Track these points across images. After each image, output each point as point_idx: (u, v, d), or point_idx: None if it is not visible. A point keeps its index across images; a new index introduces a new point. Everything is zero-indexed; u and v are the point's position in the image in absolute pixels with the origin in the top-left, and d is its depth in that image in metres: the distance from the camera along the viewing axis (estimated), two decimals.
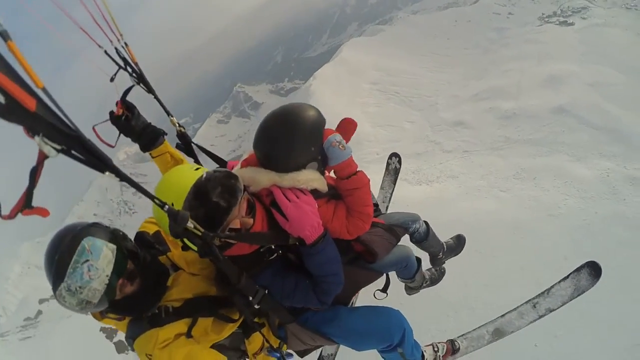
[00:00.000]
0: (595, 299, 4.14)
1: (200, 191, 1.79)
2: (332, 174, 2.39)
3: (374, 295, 3.00)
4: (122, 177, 1.10)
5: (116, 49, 2.55)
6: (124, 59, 2.62)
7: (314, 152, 2.16)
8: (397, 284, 3.30)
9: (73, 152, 0.91)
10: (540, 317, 3.21)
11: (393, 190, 4.89)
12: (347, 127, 2.46)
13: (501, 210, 6.95)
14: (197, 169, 1.89)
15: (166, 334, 1.92)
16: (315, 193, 2.23)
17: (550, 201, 6.82)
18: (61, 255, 1.74)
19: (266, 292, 2.14)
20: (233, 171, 2.09)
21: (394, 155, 4.92)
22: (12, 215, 0.90)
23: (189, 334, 1.97)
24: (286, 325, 2.50)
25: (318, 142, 2.16)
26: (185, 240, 1.67)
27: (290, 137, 2.11)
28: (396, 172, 4.91)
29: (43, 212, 0.95)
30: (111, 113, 2.56)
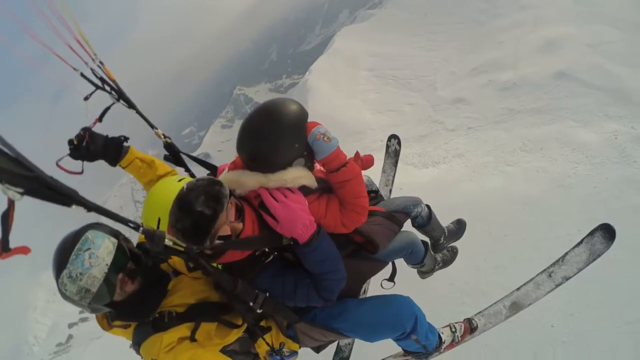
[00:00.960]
0: (610, 271, 4.14)
1: (183, 202, 1.81)
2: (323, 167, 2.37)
3: (381, 285, 2.99)
4: (90, 207, 1.12)
5: (92, 69, 2.61)
6: (101, 79, 2.68)
7: (298, 148, 2.15)
8: (404, 271, 3.27)
9: (37, 191, 0.94)
10: (557, 285, 3.23)
11: (395, 173, 4.90)
12: (366, 164, 2.52)
13: (509, 186, 6.87)
14: (181, 180, 1.96)
15: (170, 337, 1.96)
16: (304, 190, 2.22)
17: (559, 171, 6.70)
18: (65, 245, 1.85)
19: (267, 295, 2.14)
20: (220, 177, 2.16)
21: (393, 137, 4.96)
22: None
23: (192, 338, 2.01)
24: (294, 324, 2.49)
25: (302, 137, 2.15)
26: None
27: (273, 136, 2.08)
28: (396, 154, 4.96)
29: (24, 251, 0.98)
30: (70, 142, 2.53)
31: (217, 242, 1.95)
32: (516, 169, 7.33)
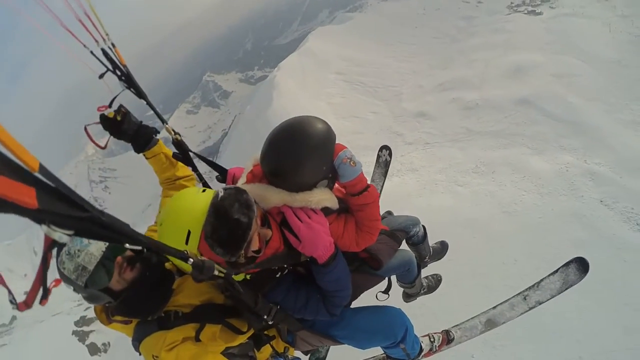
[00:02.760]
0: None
1: (219, 211, 1.80)
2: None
3: (376, 297, 3.06)
4: (145, 244, 1.09)
5: (103, 50, 2.58)
6: (111, 61, 2.64)
7: (325, 171, 2.16)
8: (395, 285, 3.35)
9: (89, 231, 0.89)
10: (530, 308, 3.42)
11: (384, 183, 5.02)
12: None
13: (457, 207, 6.84)
14: (204, 191, 1.91)
15: (174, 336, 1.98)
16: (325, 210, 2.25)
17: (507, 197, 6.72)
18: None
19: (279, 307, 2.23)
20: (240, 186, 2.13)
21: (385, 147, 5.01)
22: (30, 304, 0.88)
23: (197, 338, 2.03)
24: (295, 331, 2.60)
25: (329, 160, 2.16)
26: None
27: (302, 158, 2.10)
28: (386, 164, 5.04)
29: (56, 285, 1.02)
30: (102, 116, 2.53)
31: (248, 263, 2.00)
32: (466, 190, 7.31)
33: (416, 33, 18.47)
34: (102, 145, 2.61)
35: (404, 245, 3.38)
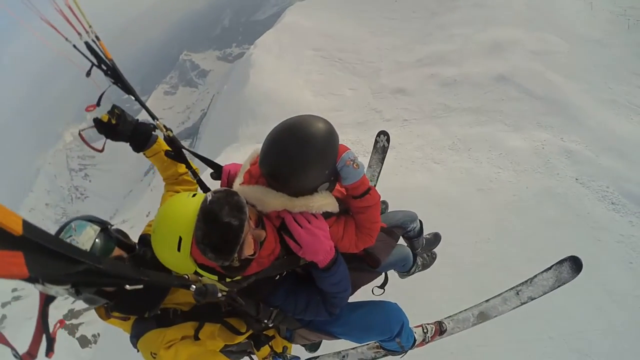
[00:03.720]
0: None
1: (209, 216, 1.78)
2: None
3: (372, 292, 3.15)
4: (149, 282, 1.15)
5: (86, 43, 2.52)
6: (96, 55, 2.58)
7: (327, 174, 2.14)
8: (391, 279, 3.39)
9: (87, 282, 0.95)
10: (523, 303, 3.57)
11: (381, 169, 5.13)
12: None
13: (431, 185, 6.76)
14: (194, 195, 1.88)
15: (173, 334, 2.02)
16: (325, 214, 2.23)
17: (482, 174, 6.67)
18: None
19: (278, 310, 2.29)
20: (238, 189, 2.21)
21: (382, 133, 5.15)
22: (34, 355, 0.91)
23: (196, 337, 2.07)
24: (293, 329, 2.69)
25: (332, 163, 2.13)
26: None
27: (305, 163, 2.06)
28: (384, 150, 5.16)
29: (61, 325, 1.08)
30: (96, 120, 2.51)
31: (243, 267, 1.99)
32: (441, 168, 7.24)
33: (396, 7, 18.17)
34: (100, 148, 2.57)
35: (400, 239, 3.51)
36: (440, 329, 3.56)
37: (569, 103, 8.28)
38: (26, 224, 0.65)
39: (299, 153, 2.02)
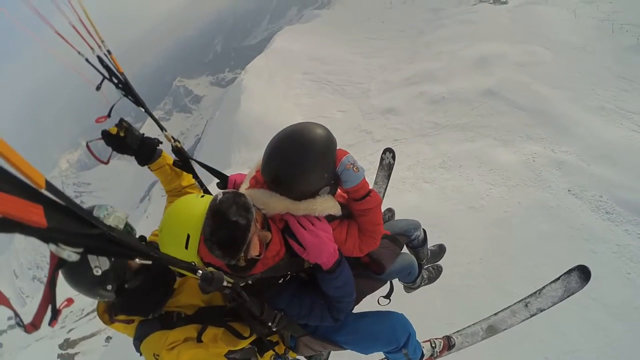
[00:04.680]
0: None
1: (217, 214, 1.84)
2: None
3: (378, 302, 3.10)
4: (156, 258, 1.15)
5: (98, 57, 2.63)
6: (107, 68, 2.69)
7: (327, 178, 2.21)
8: (397, 289, 3.36)
9: (98, 248, 0.91)
10: (532, 315, 3.53)
11: (387, 186, 5.29)
12: None
13: (422, 204, 6.71)
14: (202, 196, 1.93)
15: (175, 336, 2.05)
16: (328, 217, 2.30)
17: (473, 192, 6.63)
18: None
19: (282, 313, 2.28)
20: (244, 192, 2.26)
21: (388, 150, 5.32)
22: (38, 326, 0.86)
23: (199, 339, 2.08)
24: (298, 337, 2.67)
25: (332, 167, 2.21)
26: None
27: (304, 167, 2.14)
28: (390, 167, 5.31)
29: (68, 304, 0.99)
30: (104, 132, 2.58)
31: (249, 267, 2.03)
32: (432, 187, 7.21)
33: (383, 28, 18.45)
34: (105, 160, 2.62)
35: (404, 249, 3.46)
36: (449, 344, 3.56)
37: (557, 113, 8.31)
38: (48, 182, 0.70)
39: (299, 158, 2.12)
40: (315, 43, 19.39)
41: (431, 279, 4.23)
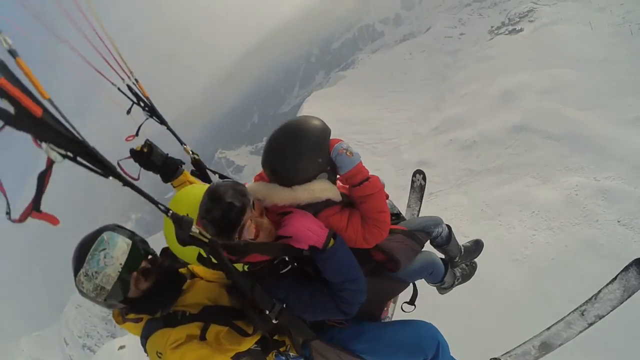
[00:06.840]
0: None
1: (214, 195, 1.94)
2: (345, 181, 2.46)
3: (402, 309, 3.02)
4: (126, 182, 1.20)
5: (128, 85, 2.90)
6: (135, 94, 2.97)
7: (321, 163, 2.24)
8: (426, 296, 3.30)
9: (78, 158, 1.02)
10: (590, 325, 3.21)
11: (420, 208, 5.17)
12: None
13: None
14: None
15: (178, 334, 2.05)
16: (327, 202, 2.30)
17: (516, 241, 6.34)
18: (83, 246, 2.02)
19: (284, 306, 2.21)
20: (248, 186, 2.26)
21: (418, 172, 5.24)
22: (22, 219, 0.95)
23: (202, 337, 2.10)
24: (310, 342, 2.52)
25: (325, 152, 2.24)
26: (201, 251, 1.79)
27: (296, 151, 2.20)
28: (421, 189, 5.24)
29: (52, 220, 1.02)
30: (132, 150, 2.89)
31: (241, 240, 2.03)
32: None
33: (406, 79, 18.74)
34: (136, 177, 2.77)
35: (430, 248, 3.31)
36: None
37: (592, 135, 7.97)
38: (50, 100, 0.90)
39: (291, 144, 2.19)
40: (342, 104, 19.87)
41: (465, 277, 3.90)
